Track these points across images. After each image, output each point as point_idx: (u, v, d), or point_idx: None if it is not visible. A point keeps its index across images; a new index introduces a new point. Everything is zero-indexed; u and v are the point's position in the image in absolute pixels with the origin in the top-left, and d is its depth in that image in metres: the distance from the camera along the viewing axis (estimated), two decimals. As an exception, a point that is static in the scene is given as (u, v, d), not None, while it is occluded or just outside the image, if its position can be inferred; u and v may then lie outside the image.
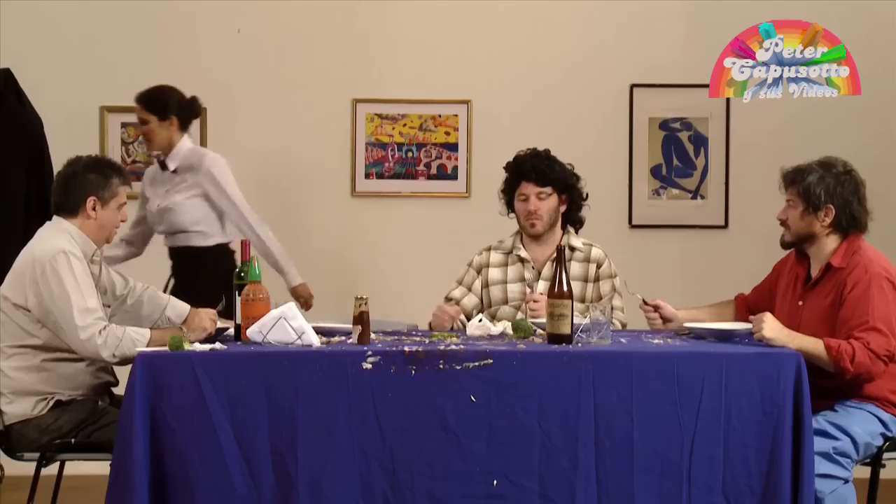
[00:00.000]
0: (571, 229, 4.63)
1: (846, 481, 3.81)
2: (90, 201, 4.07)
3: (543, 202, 4.52)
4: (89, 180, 4.09)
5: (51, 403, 3.99)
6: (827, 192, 3.98)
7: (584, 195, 4.63)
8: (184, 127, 5.24)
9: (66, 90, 5.85)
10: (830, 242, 4.03)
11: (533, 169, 4.52)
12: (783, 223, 4.11)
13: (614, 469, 3.67)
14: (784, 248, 4.17)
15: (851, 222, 4.00)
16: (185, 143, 5.24)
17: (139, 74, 5.86)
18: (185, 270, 5.27)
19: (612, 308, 4.40)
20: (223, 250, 5.27)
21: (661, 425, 3.68)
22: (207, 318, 4.05)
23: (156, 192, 5.29)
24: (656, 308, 4.32)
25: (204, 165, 5.17)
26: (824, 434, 3.81)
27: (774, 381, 3.70)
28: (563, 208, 4.57)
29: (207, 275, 5.15)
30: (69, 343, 3.90)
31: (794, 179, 4.05)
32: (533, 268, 4.56)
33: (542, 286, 4.48)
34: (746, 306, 4.32)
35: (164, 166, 5.25)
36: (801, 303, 4.07)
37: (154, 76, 5.83)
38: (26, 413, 3.98)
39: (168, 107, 5.18)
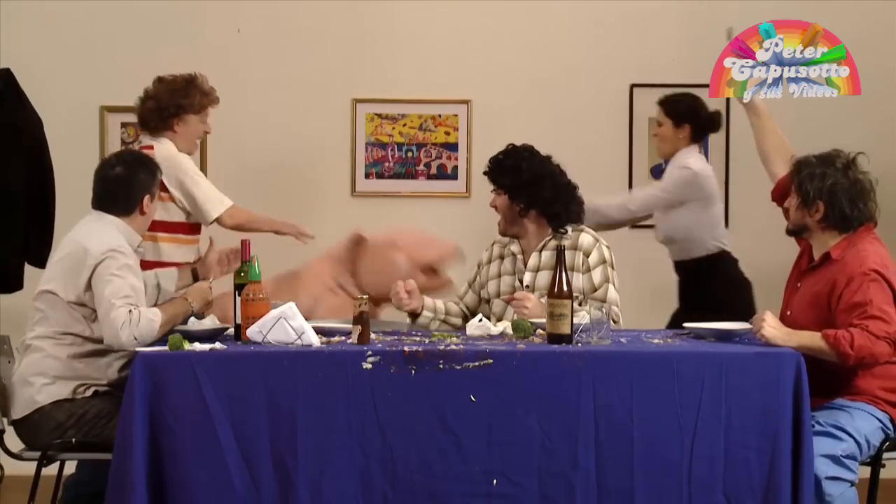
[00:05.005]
0: (568, 228, 4.49)
1: (852, 484, 3.81)
2: (146, 199, 4.16)
3: (498, 199, 4.51)
4: (142, 180, 4.18)
5: (89, 392, 4.03)
6: (818, 189, 3.98)
7: (557, 194, 4.44)
8: (696, 139, 5.25)
9: (66, 90, 5.84)
10: (828, 238, 4.02)
11: (489, 166, 4.54)
12: (786, 211, 4.12)
13: (614, 469, 3.67)
14: (788, 234, 4.17)
15: (841, 221, 3.99)
16: (688, 155, 5.22)
17: (139, 74, 5.85)
18: (688, 282, 5.28)
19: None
20: (719, 258, 5.26)
21: (661, 425, 3.69)
22: (208, 287, 4.16)
23: None
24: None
25: (674, 165, 5.17)
26: (829, 436, 3.81)
27: (774, 381, 3.70)
28: (518, 208, 4.45)
29: (706, 284, 5.18)
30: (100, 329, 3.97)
31: (796, 170, 4.07)
32: (521, 260, 4.53)
33: (528, 278, 4.46)
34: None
35: (660, 173, 5.28)
36: (799, 284, 4.10)
37: (154, 76, 5.84)
38: (63, 395, 4.01)
39: (684, 114, 5.20)
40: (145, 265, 4.75)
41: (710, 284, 5.21)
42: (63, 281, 4.03)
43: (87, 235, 4.07)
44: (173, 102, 4.91)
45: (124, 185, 4.15)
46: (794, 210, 4.06)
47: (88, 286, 3.98)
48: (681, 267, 5.32)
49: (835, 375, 3.89)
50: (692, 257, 5.26)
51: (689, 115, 5.23)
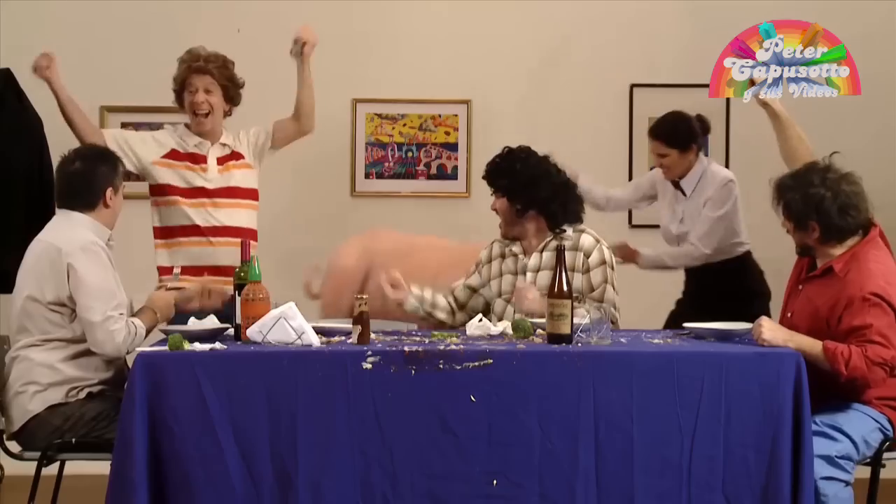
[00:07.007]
0: (569, 228, 4.50)
1: (847, 484, 3.82)
2: (108, 192, 4.16)
3: (497, 202, 4.50)
4: (102, 173, 4.17)
5: (82, 394, 4.03)
6: (805, 211, 3.95)
7: (554, 193, 4.43)
8: (700, 149, 5.17)
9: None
10: (833, 250, 3.99)
11: (487, 170, 4.53)
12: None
13: (614, 469, 3.67)
14: (800, 255, 4.13)
15: (838, 234, 3.96)
16: (700, 166, 5.14)
17: (139, 74, 5.88)
18: (706, 286, 5.17)
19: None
20: (744, 259, 5.20)
21: (661, 425, 3.69)
22: (170, 295, 4.20)
23: (673, 213, 5.24)
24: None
25: (714, 184, 5.09)
26: (824, 436, 3.81)
27: (774, 381, 3.71)
28: (516, 209, 4.45)
29: (730, 284, 5.09)
30: (87, 334, 3.97)
31: (777, 196, 4.04)
32: (522, 260, 4.53)
33: (529, 277, 4.45)
34: None
35: (677, 187, 5.19)
36: (800, 287, 4.09)
37: (154, 76, 5.83)
38: (56, 399, 4.01)
39: (686, 139, 5.10)
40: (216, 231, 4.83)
41: (745, 280, 5.15)
42: (39, 283, 4.02)
43: (56, 235, 4.07)
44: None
45: (85, 179, 4.15)
46: (793, 233, 4.04)
47: (67, 286, 3.98)
48: (708, 270, 5.17)
49: (831, 377, 3.88)
50: (727, 257, 5.16)
51: (691, 136, 5.12)
